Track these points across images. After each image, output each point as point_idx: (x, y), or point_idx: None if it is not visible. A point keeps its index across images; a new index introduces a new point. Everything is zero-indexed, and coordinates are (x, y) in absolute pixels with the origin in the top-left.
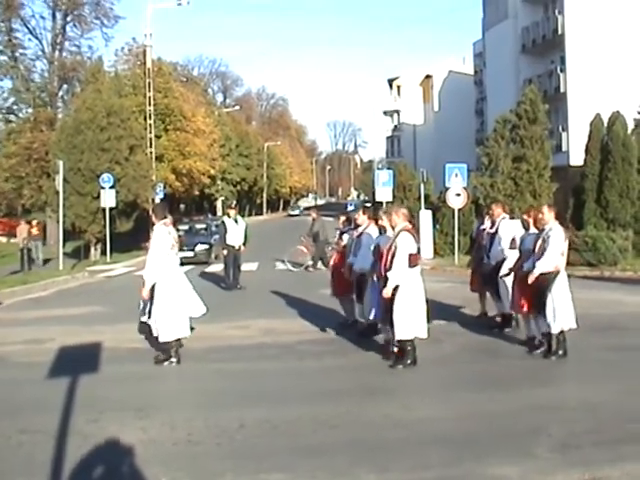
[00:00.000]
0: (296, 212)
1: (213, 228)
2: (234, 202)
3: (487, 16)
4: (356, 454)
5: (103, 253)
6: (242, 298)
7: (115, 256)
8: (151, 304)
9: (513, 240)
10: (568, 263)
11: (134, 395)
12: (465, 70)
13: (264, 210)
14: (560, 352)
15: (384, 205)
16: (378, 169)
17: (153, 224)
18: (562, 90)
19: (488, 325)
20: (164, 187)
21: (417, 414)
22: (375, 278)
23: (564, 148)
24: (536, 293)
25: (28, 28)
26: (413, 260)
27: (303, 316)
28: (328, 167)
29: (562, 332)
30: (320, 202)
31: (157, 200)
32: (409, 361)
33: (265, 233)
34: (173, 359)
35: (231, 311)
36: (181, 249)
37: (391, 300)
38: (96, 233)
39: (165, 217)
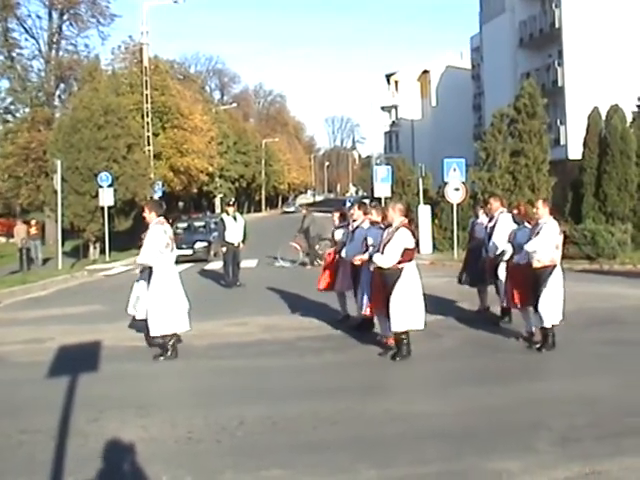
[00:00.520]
0: (291, 209)
1: (212, 226)
2: (232, 199)
3: (484, 10)
4: (357, 450)
5: (102, 252)
6: (241, 295)
7: (114, 255)
8: (147, 301)
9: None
10: (567, 257)
11: (134, 393)
12: (463, 65)
13: (263, 207)
14: (547, 345)
15: (383, 201)
16: (376, 165)
17: (144, 220)
18: (560, 84)
19: (490, 320)
20: (162, 185)
21: (417, 409)
22: (367, 271)
23: (562, 142)
24: (531, 287)
25: (24, 27)
26: (407, 255)
27: (302, 312)
28: (326, 163)
29: (551, 326)
30: (319, 198)
31: (155, 198)
32: (404, 354)
33: (264, 230)
34: (170, 354)
35: (230, 308)
36: (179, 247)
37: (387, 293)
38: (95, 232)
39: (161, 214)
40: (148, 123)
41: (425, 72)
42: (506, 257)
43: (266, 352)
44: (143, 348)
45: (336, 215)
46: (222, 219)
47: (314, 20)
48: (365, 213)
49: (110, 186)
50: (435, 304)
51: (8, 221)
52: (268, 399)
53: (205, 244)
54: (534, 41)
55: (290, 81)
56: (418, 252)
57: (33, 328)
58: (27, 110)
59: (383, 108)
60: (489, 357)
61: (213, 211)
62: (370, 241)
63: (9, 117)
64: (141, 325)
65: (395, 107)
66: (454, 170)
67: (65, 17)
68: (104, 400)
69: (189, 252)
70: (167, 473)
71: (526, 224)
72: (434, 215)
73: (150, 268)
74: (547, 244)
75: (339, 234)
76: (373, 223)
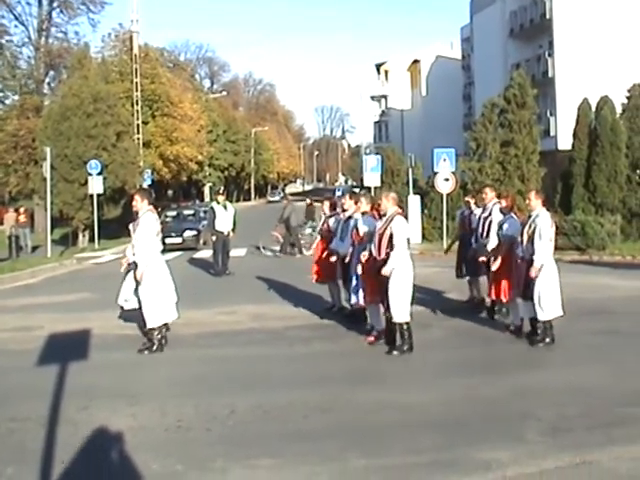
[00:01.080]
0: (276, 198)
1: (201, 214)
2: (222, 188)
3: (475, 0)
4: (347, 439)
5: (91, 240)
6: (231, 284)
7: (103, 243)
8: (136, 290)
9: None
10: (557, 248)
11: (124, 382)
12: (453, 55)
13: (252, 196)
14: (547, 340)
15: (372, 190)
16: (366, 154)
17: (133, 208)
18: (550, 75)
19: (485, 311)
20: (152, 173)
21: (408, 399)
22: (356, 262)
23: (552, 133)
24: (517, 279)
25: (14, 14)
26: (407, 244)
27: (291, 301)
28: (316, 152)
29: (549, 320)
30: (308, 187)
31: (145, 186)
32: (406, 347)
33: (253, 219)
34: (157, 346)
35: (220, 297)
36: (168, 235)
37: (384, 283)
38: (84, 220)
39: (151, 203)
40: (138, 111)
41: (415, 62)
42: (489, 247)
43: (255, 341)
44: (133, 336)
45: (326, 204)
46: (212, 208)
47: (304, 9)
48: (356, 203)
49: (99, 174)
50: (425, 294)
51: None
52: (258, 388)
53: (194, 232)
54: (525, 31)
55: (280, 70)
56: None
57: (22, 316)
58: (16, 97)
59: (373, 98)
60: (479, 347)
61: (202, 200)
62: (364, 229)
63: None
64: (131, 314)
65: (385, 97)
66: (444, 160)
67: (55, 4)
68: (94, 388)
69: (178, 240)
70: (157, 461)
71: (513, 215)
72: (424, 205)
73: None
74: (546, 240)
75: (331, 223)
76: (363, 213)
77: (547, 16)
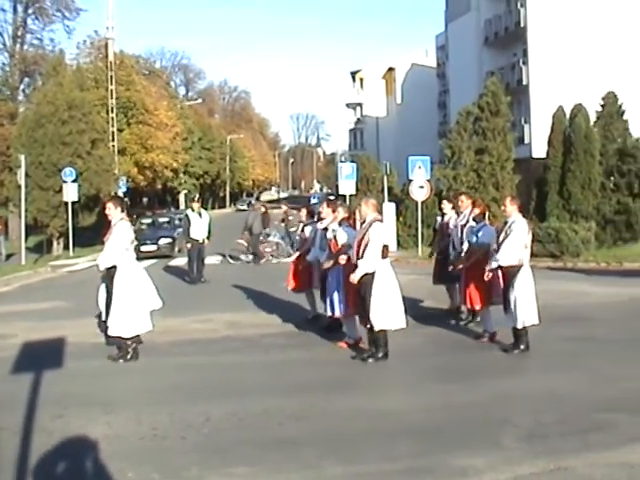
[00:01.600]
0: (244, 207)
1: (176, 221)
2: (197, 195)
3: (450, 9)
4: (323, 447)
5: (66, 247)
6: (206, 292)
7: (78, 250)
8: (109, 300)
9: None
10: (531, 254)
11: (99, 390)
12: (428, 63)
13: (227, 203)
14: (522, 347)
15: (347, 198)
16: (341, 162)
17: (106, 216)
18: (524, 82)
19: (459, 319)
20: (127, 181)
21: (384, 406)
22: (335, 271)
23: (526, 140)
24: (490, 287)
25: None
26: (386, 251)
27: (267, 309)
28: (291, 160)
29: (524, 327)
30: (283, 195)
31: (120, 194)
32: (380, 355)
33: (228, 226)
34: (130, 357)
35: (195, 305)
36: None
37: (361, 292)
38: (58, 227)
39: (124, 210)
40: (113, 118)
41: (390, 70)
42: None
43: (231, 349)
44: (108, 344)
45: (303, 212)
46: (187, 215)
47: (280, 17)
48: (334, 211)
49: (74, 181)
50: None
51: None
52: (233, 396)
53: (169, 240)
54: (499, 40)
55: (255, 77)
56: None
57: None
58: None
59: (348, 105)
60: (456, 354)
61: (177, 207)
62: (343, 239)
63: None
64: (101, 323)
65: (360, 104)
66: (419, 168)
67: (30, 11)
68: (68, 397)
69: (153, 248)
70: (132, 470)
71: (486, 222)
72: (399, 212)
73: (113, 266)
74: (515, 244)
75: (308, 231)
76: (341, 222)
77: (521, 24)
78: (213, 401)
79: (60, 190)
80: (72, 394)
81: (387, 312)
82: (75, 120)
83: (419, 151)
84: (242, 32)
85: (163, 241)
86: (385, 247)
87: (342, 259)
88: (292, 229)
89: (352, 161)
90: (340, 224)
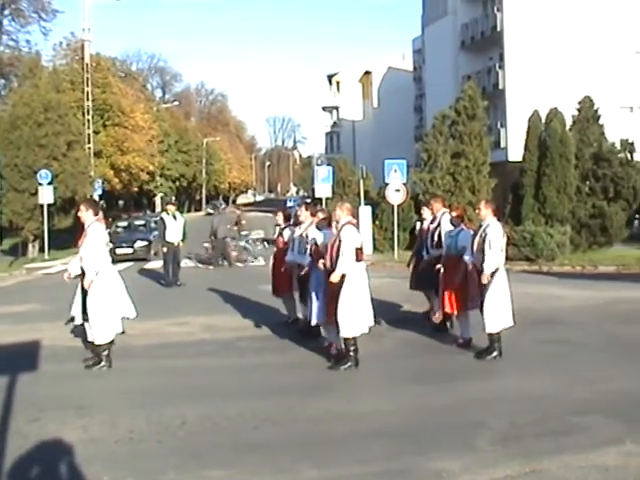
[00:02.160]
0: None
1: (152, 224)
2: (173, 198)
3: (426, 12)
4: (298, 450)
5: (41, 250)
6: (181, 295)
7: (53, 253)
8: (84, 304)
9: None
10: (507, 258)
11: (74, 393)
12: (404, 66)
13: (203, 206)
14: (494, 354)
15: (323, 201)
16: (317, 165)
17: (79, 219)
18: (501, 87)
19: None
20: (103, 183)
21: (359, 409)
22: (316, 277)
23: (502, 144)
24: (467, 291)
25: None
26: (358, 255)
27: (243, 312)
28: (267, 163)
29: (498, 332)
30: (259, 198)
31: (95, 197)
32: (349, 363)
33: (204, 229)
34: (104, 363)
35: (171, 308)
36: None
37: (337, 297)
38: (34, 230)
39: (97, 214)
40: (89, 121)
41: (367, 73)
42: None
43: (207, 352)
44: (83, 348)
45: (280, 216)
46: (162, 218)
47: (257, 19)
48: (313, 214)
49: (50, 184)
50: (376, 305)
51: None
52: (209, 399)
53: (145, 243)
54: (476, 44)
55: (232, 80)
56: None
57: None
58: None
59: (324, 108)
60: (431, 358)
61: (153, 210)
62: (322, 241)
63: None
64: (76, 328)
65: (336, 108)
66: (395, 171)
67: (6, 12)
68: (44, 400)
69: (129, 251)
70: (108, 474)
71: (463, 226)
72: (375, 216)
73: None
74: (497, 250)
75: (286, 235)
76: (319, 226)
77: (498, 29)
78: (189, 404)
79: (36, 192)
80: (47, 397)
81: (355, 318)
82: (51, 122)
83: (395, 154)
84: (219, 34)
85: (139, 244)
86: (358, 250)
87: (321, 263)
88: (244, 233)
89: (328, 164)
90: (319, 228)
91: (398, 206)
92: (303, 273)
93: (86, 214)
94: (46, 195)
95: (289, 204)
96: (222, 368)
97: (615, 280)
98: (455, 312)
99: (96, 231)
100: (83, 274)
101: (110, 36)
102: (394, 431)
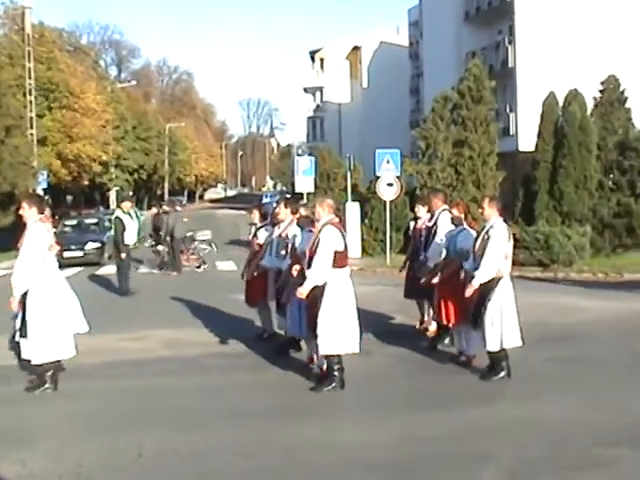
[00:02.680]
0: (178, 208)
1: (106, 223)
2: (130, 193)
3: None
4: None
5: None
6: (140, 305)
7: None
8: (23, 318)
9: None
10: (517, 263)
11: (11, 422)
12: (399, 41)
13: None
14: (502, 374)
15: (305, 197)
16: (298, 155)
17: (21, 217)
18: (510, 65)
19: (428, 339)
20: (48, 175)
21: (344, 438)
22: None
23: (512, 131)
24: (470, 302)
25: None
26: (340, 260)
27: (210, 325)
28: (240, 153)
29: (503, 350)
30: (231, 193)
31: (39, 191)
32: (334, 384)
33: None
34: (48, 385)
35: (126, 320)
36: (67, 248)
37: (316, 309)
38: None
39: (43, 211)
40: (31, 102)
41: (355, 49)
42: (430, 263)
43: (168, 371)
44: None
45: (256, 213)
46: (119, 218)
47: None
48: (293, 212)
49: None
50: (365, 317)
51: None
52: (170, 425)
53: (97, 245)
54: (482, 15)
55: (199, 57)
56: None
57: None
58: None
59: (306, 90)
60: (427, 379)
61: (107, 207)
62: (299, 246)
63: None
64: (13, 345)
65: (320, 89)
66: (387, 162)
67: None
68: None
69: (79, 254)
70: None
71: (466, 226)
72: (364, 214)
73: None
74: (495, 256)
75: (263, 236)
76: (300, 223)
77: None
78: (147, 432)
79: None
80: None
81: (338, 333)
82: None
83: (388, 143)
84: (184, 4)
85: (90, 246)
86: (340, 254)
87: (295, 270)
88: (189, 234)
89: (310, 154)
90: (301, 226)
91: (391, 202)
92: (281, 280)
93: (29, 212)
94: None
95: (265, 200)
96: (185, 389)
97: None
98: (453, 324)
99: (33, 235)
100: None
101: (56, 3)
102: (384, 465)
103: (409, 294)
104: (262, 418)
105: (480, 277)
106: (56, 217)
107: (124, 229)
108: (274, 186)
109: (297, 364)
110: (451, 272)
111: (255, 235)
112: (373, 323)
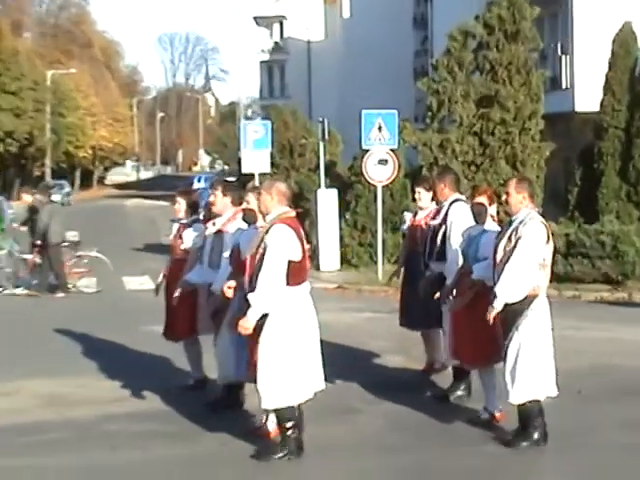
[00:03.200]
0: (57, 197)
1: None
2: None
3: None
4: None
5: None
6: (6, 342)
7: None
8: None
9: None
10: (571, 278)
11: None
12: None
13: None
14: (535, 436)
15: (255, 180)
16: (246, 119)
17: None
18: None
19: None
20: None
21: None
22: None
23: (566, 83)
24: (493, 333)
25: None
26: (296, 274)
27: (112, 372)
28: (160, 114)
29: (537, 401)
30: (146, 175)
31: None
32: (287, 450)
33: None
34: None
35: None
36: None
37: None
38: None
39: None
40: None
41: None
42: (448, 281)
43: (50, 442)
44: None
45: (182, 203)
46: None
47: None
48: (236, 202)
49: None
50: (348, 359)
51: None
52: None
53: None
54: None
55: None
56: (314, 268)
57: None
58: None
59: (258, 20)
60: (437, 451)
61: None
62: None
63: None
64: None
65: (280, 19)
66: (379, 129)
67: None
68: None
69: None
70: None
71: (493, 224)
72: (345, 206)
73: None
74: (525, 267)
75: (189, 237)
76: (247, 221)
77: None
78: None
79: None
80: None
81: (285, 378)
82: None
83: (380, 102)
84: None
85: None
86: (296, 264)
87: (229, 288)
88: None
89: (265, 117)
90: (248, 222)
91: (384, 189)
92: (214, 301)
93: None
94: None
95: (197, 185)
96: (77, 472)
97: None
98: (471, 366)
99: None
100: None
101: None
102: None
103: (408, 322)
104: None
105: (505, 295)
106: None
107: None
108: (211, 164)
109: (240, 425)
110: (468, 290)
111: (179, 236)
112: (359, 369)
